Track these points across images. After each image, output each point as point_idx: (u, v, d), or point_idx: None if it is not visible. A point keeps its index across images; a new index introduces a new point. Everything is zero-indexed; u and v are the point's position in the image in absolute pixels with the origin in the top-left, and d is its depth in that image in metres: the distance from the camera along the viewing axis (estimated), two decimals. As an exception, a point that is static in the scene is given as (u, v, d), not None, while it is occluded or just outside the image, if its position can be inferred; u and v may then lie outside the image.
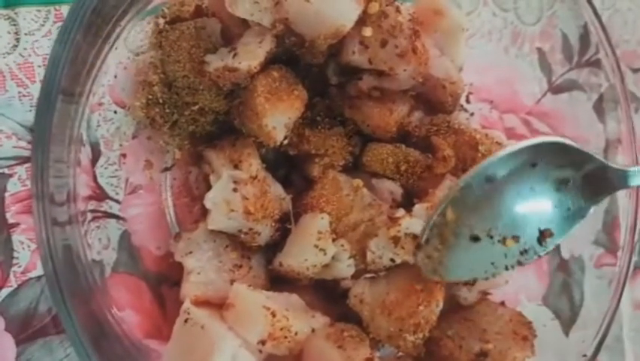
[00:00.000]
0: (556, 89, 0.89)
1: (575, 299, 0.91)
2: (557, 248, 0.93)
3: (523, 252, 0.66)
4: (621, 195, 0.86)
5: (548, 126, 0.86)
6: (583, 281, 0.91)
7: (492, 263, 0.65)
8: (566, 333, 0.88)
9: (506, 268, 0.66)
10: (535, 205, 0.65)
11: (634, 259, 1.03)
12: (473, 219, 0.64)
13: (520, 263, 0.65)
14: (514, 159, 0.64)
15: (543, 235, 0.66)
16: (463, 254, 0.65)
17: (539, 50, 0.89)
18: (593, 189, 0.66)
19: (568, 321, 0.89)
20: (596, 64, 0.85)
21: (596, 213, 0.89)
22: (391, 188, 0.73)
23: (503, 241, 0.65)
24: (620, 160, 0.87)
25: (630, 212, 0.81)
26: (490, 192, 0.64)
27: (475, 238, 0.64)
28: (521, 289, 0.90)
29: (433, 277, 0.66)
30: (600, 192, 0.66)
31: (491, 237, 0.65)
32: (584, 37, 0.84)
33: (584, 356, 0.75)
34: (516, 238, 0.65)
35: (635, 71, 1.03)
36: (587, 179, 0.65)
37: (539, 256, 0.66)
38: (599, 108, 0.86)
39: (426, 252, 0.65)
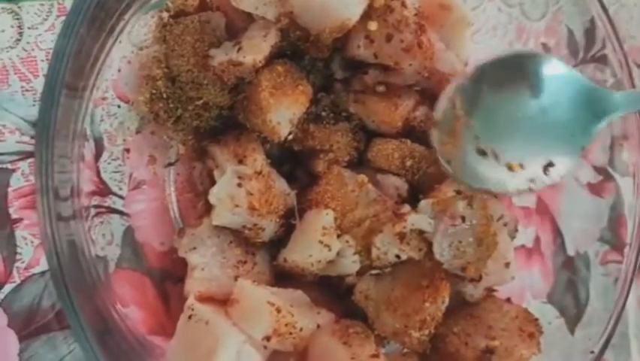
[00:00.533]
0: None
1: (580, 297, 0.91)
2: (563, 245, 0.93)
3: (532, 180, 0.65)
4: (626, 192, 0.86)
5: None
6: (588, 279, 0.91)
7: (502, 181, 0.65)
8: (572, 331, 0.88)
9: (518, 191, 0.65)
10: (540, 132, 0.65)
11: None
12: (480, 129, 0.64)
13: (531, 189, 0.65)
14: (517, 64, 0.64)
15: (547, 166, 0.65)
16: (472, 162, 0.64)
17: (544, 45, 0.88)
18: (592, 115, 0.65)
19: (573, 319, 0.89)
20: (601, 60, 0.84)
21: (601, 210, 0.89)
22: (397, 183, 0.73)
23: (509, 165, 0.64)
24: (625, 157, 0.87)
25: (637, 209, 0.81)
26: (495, 106, 0.63)
27: (482, 152, 0.64)
28: (526, 287, 0.90)
29: (447, 168, 0.64)
30: (598, 117, 0.65)
31: (497, 157, 0.64)
32: (590, 33, 0.84)
33: (592, 352, 0.75)
34: (522, 165, 0.64)
35: (641, 67, 1.03)
36: (586, 105, 0.65)
37: (547, 186, 0.66)
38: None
39: (440, 135, 0.64)
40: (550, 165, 0.65)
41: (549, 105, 0.64)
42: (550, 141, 0.65)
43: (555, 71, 0.65)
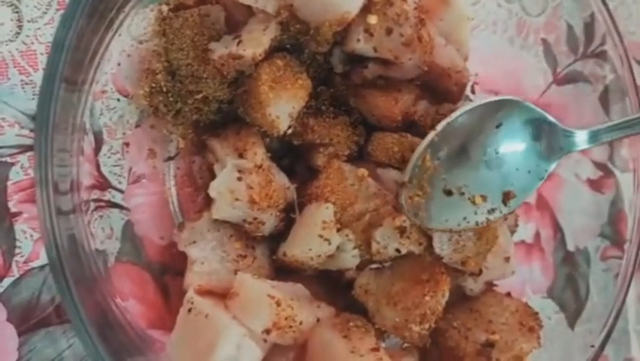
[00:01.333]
0: (561, 81, 0.89)
1: (580, 292, 0.91)
2: (563, 240, 0.93)
3: (491, 211, 0.69)
4: (626, 188, 0.86)
5: (553, 117, 0.87)
6: (588, 274, 0.91)
7: (464, 218, 0.68)
8: (572, 326, 0.88)
9: (477, 224, 0.69)
10: (500, 167, 0.69)
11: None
12: (447, 174, 0.68)
13: (488, 220, 0.69)
14: (482, 113, 0.69)
15: (507, 196, 0.69)
16: (439, 204, 0.68)
17: (544, 41, 0.89)
18: (549, 150, 0.70)
19: (573, 314, 0.89)
20: (601, 55, 0.85)
21: (601, 206, 0.89)
22: (397, 177, 0.73)
23: (473, 199, 0.68)
24: (625, 153, 0.87)
25: (637, 204, 0.81)
26: (461, 149, 0.69)
27: (449, 192, 0.68)
28: (527, 282, 0.90)
29: (415, 221, 0.68)
30: (554, 154, 0.71)
31: (462, 193, 0.68)
32: (589, 29, 0.84)
33: (592, 346, 0.75)
34: (484, 197, 0.68)
35: (640, 62, 1.03)
36: (544, 141, 0.70)
37: (505, 216, 0.71)
38: (604, 100, 0.86)
39: (408, 192, 0.68)
40: (509, 195, 0.69)
41: (511, 140, 0.70)
42: (509, 174, 0.70)
43: (518, 114, 0.70)
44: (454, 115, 0.68)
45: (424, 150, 0.68)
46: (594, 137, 0.70)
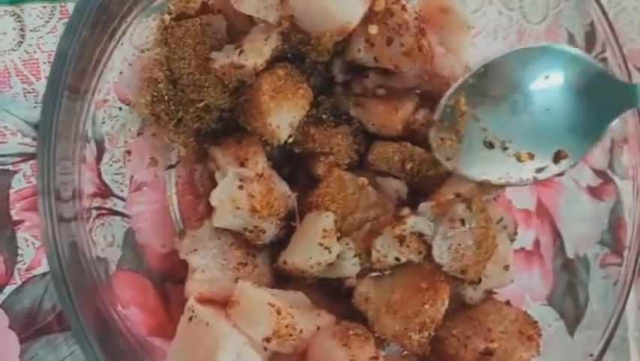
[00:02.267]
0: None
1: (579, 299, 0.91)
2: (562, 248, 0.93)
3: (539, 170, 0.64)
4: (627, 195, 0.86)
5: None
6: (588, 281, 0.91)
7: (507, 173, 0.63)
8: (571, 333, 0.88)
9: (521, 181, 0.64)
10: (550, 123, 0.63)
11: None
12: (487, 123, 0.62)
13: (535, 179, 0.63)
14: (526, 58, 0.62)
15: (558, 156, 0.64)
16: (476, 154, 0.63)
17: (545, 48, 0.89)
18: (605, 107, 0.63)
19: (573, 321, 0.89)
20: (602, 63, 0.85)
21: (601, 213, 0.90)
22: (397, 186, 0.73)
23: (518, 155, 0.63)
24: (625, 160, 0.87)
25: (637, 212, 0.81)
26: (504, 97, 0.62)
27: (490, 144, 0.63)
28: (526, 289, 0.90)
29: (446, 165, 0.63)
30: (611, 111, 0.63)
31: (506, 148, 0.63)
32: (590, 36, 0.84)
33: (591, 355, 0.75)
34: (531, 155, 0.63)
35: (641, 70, 1.03)
36: (599, 96, 0.63)
37: (555, 175, 0.64)
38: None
39: (439, 133, 0.63)
40: (561, 154, 0.64)
41: (562, 95, 0.63)
42: (562, 131, 0.64)
43: (570, 60, 0.63)
44: (492, 57, 0.62)
45: (457, 91, 0.62)
46: None
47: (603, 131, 0.64)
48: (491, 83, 0.62)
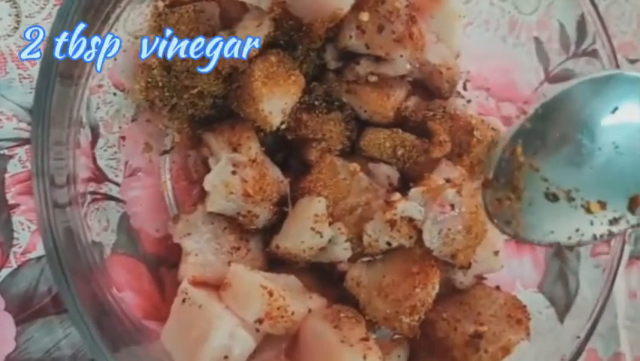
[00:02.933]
0: (553, 79, 0.90)
1: (570, 287, 0.92)
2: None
3: (614, 221, 0.55)
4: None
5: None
6: (578, 269, 0.92)
7: (577, 230, 0.55)
8: (561, 320, 0.89)
9: (595, 238, 0.55)
10: (621, 164, 0.54)
11: (628, 247, 1.04)
12: (549, 171, 0.54)
13: (611, 233, 0.55)
14: (590, 91, 0.53)
15: (635, 202, 0.55)
16: (540, 212, 0.54)
17: (536, 39, 0.89)
18: None
19: (563, 308, 0.90)
20: (593, 54, 0.85)
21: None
22: (388, 172, 0.74)
23: (587, 206, 0.54)
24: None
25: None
26: (566, 139, 0.53)
27: (553, 197, 0.54)
28: (518, 277, 0.91)
29: (506, 230, 0.55)
30: None
31: (572, 199, 0.54)
32: (581, 27, 0.85)
33: (577, 337, 0.76)
34: (602, 204, 0.54)
35: (632, 61, 1.04)
36: None
37: (633, 227, 0.55)
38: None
39: (496, 194, 0.54)
40: (638, 200, 0.55)
41: (635, 129, 0.54)
42: (635, 172, 0.54)
43: (638, 94, 0.54)
44: (552, 95, 0.53)
45: (514, 140, 0.53)
46: None
47: None
48: (551, 124, 0.53)
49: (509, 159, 0.54)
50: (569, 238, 0.55)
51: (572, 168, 0.54)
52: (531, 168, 0.54)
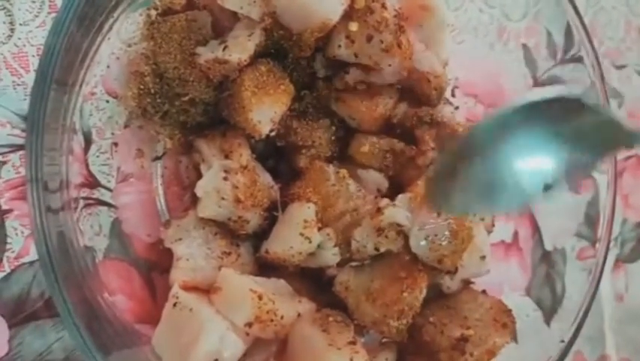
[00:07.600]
0: (541, 85, 0.91)
1: (557, 290, 0.93)
2: (540, 240, 0.95)
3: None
4: (601, 188, 0.88)
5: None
6: (565, 273, 0.93)
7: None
8: (548, 323, 0.90)
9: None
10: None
11: (615, 251, 1.06)
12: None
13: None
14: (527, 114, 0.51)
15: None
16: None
17: (525, 45, 0.90)
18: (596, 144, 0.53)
19: (550, 311, 0.91)
20: (581, 60, 0.86)
21: (578, 205, 0.92)
22: (376, 179, 0.75)
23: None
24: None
25: (609, 204, 0.83)
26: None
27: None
28: (505, 281, 0.92)
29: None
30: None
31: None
32: (569, 34, 0.86)
33: (562, 341, 0.77)
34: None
35: (618, 67, 1.05)
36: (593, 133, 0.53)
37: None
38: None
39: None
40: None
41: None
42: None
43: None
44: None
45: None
46: None
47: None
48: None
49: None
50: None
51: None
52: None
